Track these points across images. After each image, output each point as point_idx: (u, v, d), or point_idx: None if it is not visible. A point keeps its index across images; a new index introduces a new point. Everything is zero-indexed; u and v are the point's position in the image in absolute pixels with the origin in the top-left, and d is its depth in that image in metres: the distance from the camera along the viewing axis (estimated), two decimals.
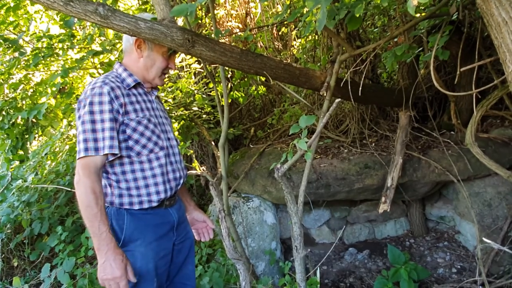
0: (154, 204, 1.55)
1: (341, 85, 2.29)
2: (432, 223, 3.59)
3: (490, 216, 2.86)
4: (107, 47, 2.61)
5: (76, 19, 2.42)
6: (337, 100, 1.66)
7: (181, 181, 1.69)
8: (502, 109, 3.10)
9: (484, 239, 1.27)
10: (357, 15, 1.57)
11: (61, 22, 2.64)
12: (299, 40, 4.18)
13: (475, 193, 2.95)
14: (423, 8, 2.54)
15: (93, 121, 1.38)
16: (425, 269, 2.89)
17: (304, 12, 2.04)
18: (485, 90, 2.70)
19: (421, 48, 2.65)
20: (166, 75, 1.74)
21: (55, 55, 2.66)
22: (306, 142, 1.70)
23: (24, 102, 2.76)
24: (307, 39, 3.80)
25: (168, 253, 1.63)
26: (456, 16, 2.10)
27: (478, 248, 2.68)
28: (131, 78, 1.58)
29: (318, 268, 2.66)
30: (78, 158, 1.37)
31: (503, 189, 2.88)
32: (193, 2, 1.63)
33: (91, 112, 1.39)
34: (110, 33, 2.86)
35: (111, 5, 1.74)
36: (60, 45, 2.67)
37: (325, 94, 2.15)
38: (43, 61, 2.76)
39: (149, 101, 1.63)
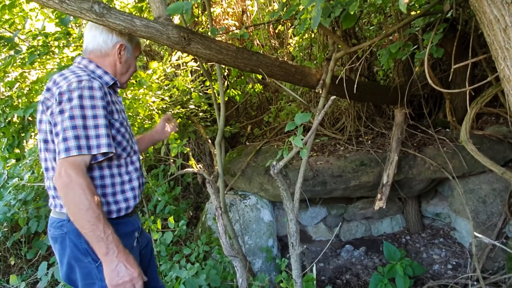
0: (130, 211, 1.47)
1: (337, 82, 2.30)
2: (428, 220, 3.61)
3: (485, 213, 2.89)
4: None
5: (72, 17, 2.42)
6: (332, 97, 1.67)
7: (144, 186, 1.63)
8: (497, 106, 3.12)
9: (476, 233, 1.29)
10: (352, 13, 1.58)
11: (57, 20, 2.63)
12: (296, 38, 4.19)
13: (470, 190, 2.97)
14: (418, 6, 2.55)
15: (84, 117, 1.26)
16: (421, 265, 2.91)
17: (300, 9, 2.05)
18: (480, 88, 2.72)
19: (416, 46, 2.67)
20: None
21: (50, 53, 2.65)
22: (302, 139, 1.71)
23: (20, 100, 2.76)
24: (303, 37, 3.81)
25: (138, 262, 1.51)
26: (450, 14, 2.11)
27: (473, 245, 2.70)
28: (108, 76, 1.50)
29: (315, 265, 2.67)
30: (67, 157, 1.22)
31: (498, 186, 2.91)
32: (188, 0, 1.63)
33: (82, 107, 1.26)
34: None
35: (106, 3, 1.74)
36: (56, 43, 2.67)
37: (320, 92, 2.16)
38: (39, 59, 2.75)
39: (119, 102, 1.56)
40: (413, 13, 2.43)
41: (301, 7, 1.87)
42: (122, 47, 1.54)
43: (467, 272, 2.77)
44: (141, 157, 3.21)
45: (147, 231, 3.06)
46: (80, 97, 1.26)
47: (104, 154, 1.31)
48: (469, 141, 2.45)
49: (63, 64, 2.56)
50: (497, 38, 1.26)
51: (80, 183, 1.20)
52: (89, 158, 1.27)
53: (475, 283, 2.61)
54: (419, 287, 2.78)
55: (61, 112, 1.26)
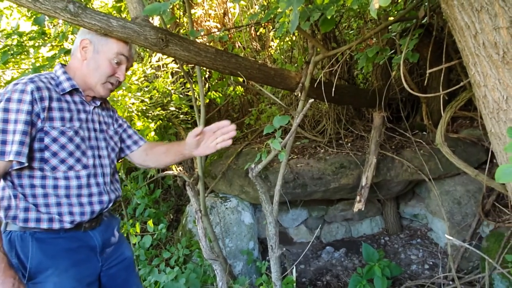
0: (67, 226, 1.33)
1: (315, 85, 2.33)
2: (406, 221, 3.68)
3: (460, 214, 2.96)
4: None
5: (47, 16, 2.36)
6: (310, 100, 1.68)
7: (110, 204, 1.49)
8: (471, 110, 3.21)
9: (447, 236, 1.32)
10: (329, 17, 1.60)
11: (33, 19, 2.57)
12: (277, 41, 4.22)
13: (445, 192, 3.05)
14: (395, 11, 2.60)
15: (5, 121, 1.20)
16: (398, 266, 2.96)
17: (278, 12, 2.07)
18: (455, 92, 2.80)
19: (393, 51, 2.72)
20: (113, 86, 1.50)
21: (25, 53, 2.58)
22: (280, 142, 1.72)
23: None
24: (284, 40, 3.84)
25: (93, 280, 1.40)
26: (426, 20, 2.16)
27: (448, 245, 2.77)
28: (69, 82, 1.39)
29: (295, 267, 2.68)
30: None
31: (472, 188, 2.99)
32: (166, 1, 1.62)
33: (6, 110, 1.20)
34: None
35: (82, 3, 1.70)
36: (31, 42, 2.60)
37: (299, 95, 2.18)
38: (13, 59, 2.68)
39: (84, 111, 1.44)
40: (390, 18, 2.49)
41: (279, 10, 1.89)
42: (85, 42, 1.44)
43: (443, 272, 2.83)
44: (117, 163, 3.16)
45: (125, 235, 3.01)
46: (8, 100, 1.21)
47: (19, 162, 1.21)
48: (444, 144, 2.51)
49: (38, 64, 2.50)
50: (467, 44, 1.30)
51: None
52: (4, 164, 1.20)
53: (450, 282, 2.68)
54: (397, 287, 2.82)
55: None
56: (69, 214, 1.34)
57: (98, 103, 1.51)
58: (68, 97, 1.38)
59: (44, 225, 1.29)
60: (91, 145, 1.43)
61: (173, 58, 3.33)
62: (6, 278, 1.12)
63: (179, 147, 1.61)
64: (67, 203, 1.34)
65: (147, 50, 3.54)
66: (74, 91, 1.41)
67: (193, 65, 2.86)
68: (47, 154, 1.30)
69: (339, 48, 2.16)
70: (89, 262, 1.39)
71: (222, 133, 1.50)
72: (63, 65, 1.45)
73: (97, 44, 1.44)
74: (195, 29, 2.87)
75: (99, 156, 1.46)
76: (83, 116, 1.42)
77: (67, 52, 2.41)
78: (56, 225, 1.31)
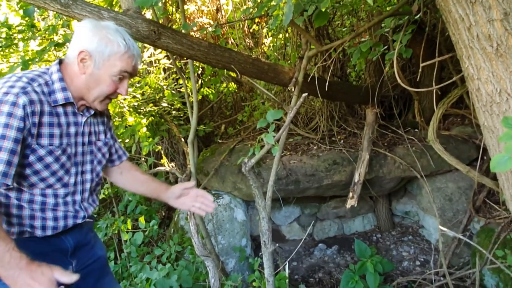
0: (39, 235, 1.28)
1: (309, 80, 2.32)
2: (398, 218, 3.70)
3: (451, 210, 2.98)
4: (71, 39, 2.51)
5: (36, 8, 2.32)
6: (304, 94, 1.68)
7: (85, 218, 1.42)
8: (462, 108, 3.24)
9: (440, 227, 1.32)
10: (323, 9, 1.59)
11: (22, 12, 2.52)
12: (270, 38, 4.21)
13: (437, 188, 3.07)
14: (388, 7, 2.61)
15: None
16: (390, 262, 2.97)
17: (272, 5, 2.05)
18: (446, 90, 2.82)
19: (386, 47, 2.73)
20: (112, 99, 1.39)
21: (14, 46, 2.53)
22: (274, 137, 1.71)
23: None
24: (278, 37, 3.83)
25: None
26: (419, 16, 2.17)
27: (439, 241, 2.78)
28: (63, 93, 1.26)
29: (287, 264, 2.67)
30: None
31: (463, 184, 3.01)
32: None
33: None
34: (75, 24, 2.76)
35: None
36: (20, 36, 2.55)
37: (293, 89, 2.17)
38: (1, 52, 2.63)
39: (75, 124, 1.33)
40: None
41: (273, 2, 1.88)
42: (84, 54, 1.25)
43: (434, 268, 2.85)
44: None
45: (116, 231, 2.97)
46: None
47: (4, 184, 1.12)
48: (436, 140, 2.52)
49: (27, 58, 2.45)
50: (461, 37, 1.30)
51: None
52: None
53: (441, 278, 2.69)
54: (388, 284, 2.83)
55: None
56: (41, 228, 1.28)
57: (92, 112, 1.40)
58: (59, 109, 1.28)
59: (14, 236, 1.24)
60: (76, 161, 1.35)
61: (165, 54, 3.30)
62: (33, 271, 1.04)
63: (160, 187, 1.63)
64: (41, 217, 1.28)
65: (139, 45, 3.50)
66: (67, 103, 1.29)
67: (185, 60, 2.83)
68: (28, 171, 1.22)
69: (333, 43, 2.16)
70: (60, 264, 1.29)
71: (202, 203, 1.56)
72: (60, 69, 1.30)
73: (98, 59, 1.26)
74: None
75: (82, 173, 1.39)
76: (73, 130, 1.33)
77: (57, 45, 2.37)
78: (26, 235, 1.27)
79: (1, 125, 1.09)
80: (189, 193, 1.58)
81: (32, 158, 1.21)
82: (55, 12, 1.87)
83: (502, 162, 0.85)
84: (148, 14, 3.07)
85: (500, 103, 1.29)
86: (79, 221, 1.39)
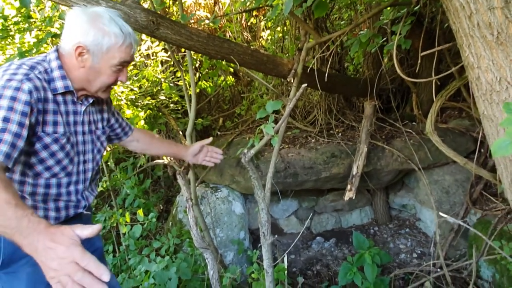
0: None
1: (308, 71, 2.32)
2: (395, 211, 3.72)
3: (448, 203, 3.00)
4: None
5: None
6: (304, 85, 1.67)
7: (85, 208, 1.45)
8: (460, 101, 3.25)
9: (441, 213, 1.33)
10: None
11: (18, 5, 2.49)
12: (268, 31, 4.19)
13: (434, 181, 3.08)
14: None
15: None
16: (388, 254, 2.99)
17: None
18: (444, 83, 2.82)
19: (385, 39, 2.73)
20: (112, 87, 1.42)
21: (10, 37, 2.50)
22: (273, 127, 1.70)
23: None
24: (276, 30, 3.81)
25: None
26: (418, 7, 2.17)
27: (436, 233, 2.80)
28: (63, 82, 1.25)
29: (286, 256, 2.68)
30: None
31: (460, 177, 3.03)
32: None
33: None
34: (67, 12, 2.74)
35: None
36: (16, 28, 2.53)
37: (292, 81, 2.16)
38: None
39: (75, 113, 1.33)
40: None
41: None
42: (81, 49, 1.23)
43: (431, 260, 2.87)
44: (108, 149, 3.10)
45: (114, 224, 2.97)
46: (0, 96, 1.09)
47: (4, 167, 1.07)
48: (434, 133, 2.53)
49: (23, 49, 2.43)
50: (462, 25, 1.30)
51: None
52: None
53: (438, 270, 2.71)
54: (386, 276, 2.85)
55: None
56: (43, 218, 1.27)
57: (91, 100, 1.39)
58: (59, 97, 1.27)
59: None
60: (78, 150, 1.36)
61: (163, 47, 3.28)
62: (53, 233, 0.93)
63: (178, 146, 1.97)
64: (43, 207, 1.28)
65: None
66: (67, 91, 1.28)
67: (184, 51, 2.81)
68: (34, 160, 1.21)
69: (332, 34, 2.16)
70: None
71: (211, 156, 1.98)
72: (58, 56, 1.27)
73: (97, 52, 1.24)
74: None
75: (84, 162, 1.40)
76: (73, 118, 1.32)
77: (55, 36, 2.35)
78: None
79: (4, 108, 1.06)
80: (202, 150, 1.94)
81: (38, 145, 1.20)
82: (52, 3, 1.85)
83: (503, 147, 0.85)
84: (145, 6, 3.05)
85: (500, 91, 1.29)
86: (80, 210, 1.40)
